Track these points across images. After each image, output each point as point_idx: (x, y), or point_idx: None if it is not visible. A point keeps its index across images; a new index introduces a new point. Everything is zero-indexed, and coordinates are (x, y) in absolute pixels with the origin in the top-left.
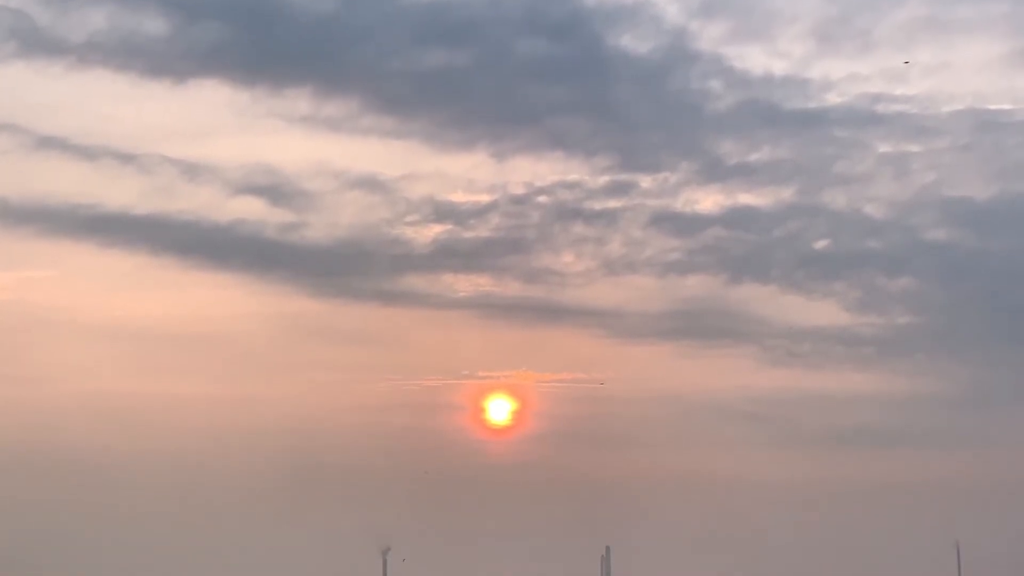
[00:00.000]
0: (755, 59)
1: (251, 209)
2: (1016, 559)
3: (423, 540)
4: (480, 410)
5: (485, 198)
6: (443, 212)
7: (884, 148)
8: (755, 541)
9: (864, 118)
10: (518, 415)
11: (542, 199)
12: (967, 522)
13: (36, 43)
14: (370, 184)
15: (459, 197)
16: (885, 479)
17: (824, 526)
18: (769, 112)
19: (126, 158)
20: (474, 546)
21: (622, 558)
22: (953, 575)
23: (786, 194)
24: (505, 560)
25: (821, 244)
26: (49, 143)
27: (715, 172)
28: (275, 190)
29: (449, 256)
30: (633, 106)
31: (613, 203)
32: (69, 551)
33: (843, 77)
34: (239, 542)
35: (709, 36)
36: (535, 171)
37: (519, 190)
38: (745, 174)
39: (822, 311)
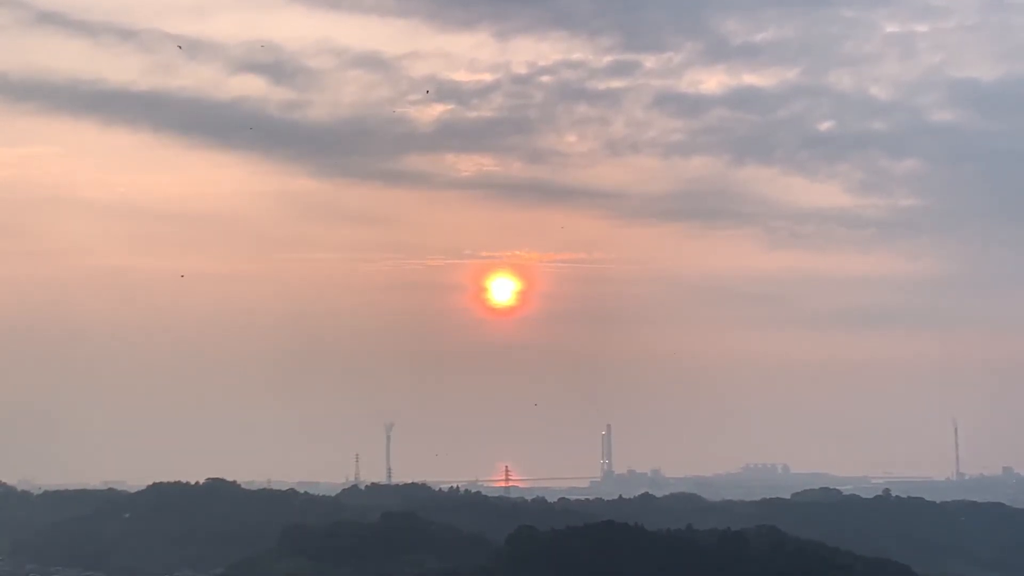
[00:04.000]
0: None
1: (252, 87)
2: (1012, 437)
3: (425, 417)
4: (482, 290)
5: (487, 77)
6: (445, 91)
7: (891, 28)
8: (755, 420)
9: None
10: (520, 295)
11: (545, 79)
12: (966, 400)
13: None
14: (372, 62)
15: (461, 76)
16: (885, 359)
17: (825, 405)
18: None
19: (126, 34)
20: (476, 425)
21: (623, 436)
22: (951, 451)
23: (791, 74)
24: (508, 438)
25: (825, 125)
26: (49, 18)
27: (720, 52)
28: (276, 68)
29: (451, 136)
30: None
31: (616, 83)
32: (71, 419)
33: None
34: (241, 416)
35: None
36: (538, 50)
37: (522, 69)
38: (750, 54)
39: (825, 193)
